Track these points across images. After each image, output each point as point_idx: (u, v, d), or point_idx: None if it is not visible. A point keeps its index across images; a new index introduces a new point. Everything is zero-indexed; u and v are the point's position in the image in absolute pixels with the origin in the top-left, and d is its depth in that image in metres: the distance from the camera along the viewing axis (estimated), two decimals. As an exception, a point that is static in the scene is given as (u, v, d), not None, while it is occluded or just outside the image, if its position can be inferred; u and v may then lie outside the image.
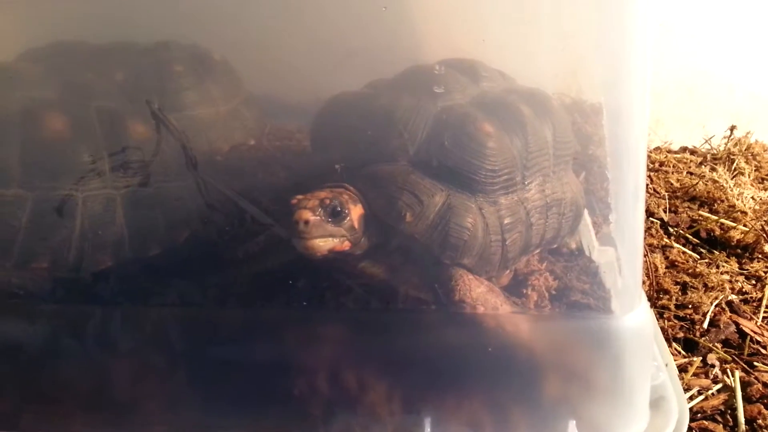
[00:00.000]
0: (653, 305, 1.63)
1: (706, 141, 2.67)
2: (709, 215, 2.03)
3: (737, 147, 2.55)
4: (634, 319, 1.22)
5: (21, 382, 1.16)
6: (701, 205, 2.13)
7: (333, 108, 1.37)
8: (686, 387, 1.42)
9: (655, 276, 1.72)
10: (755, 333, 1.60)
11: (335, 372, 1.17)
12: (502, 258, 1.24)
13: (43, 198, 1.15)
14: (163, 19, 1.46)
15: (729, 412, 1.39)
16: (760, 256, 1.92)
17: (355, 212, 1.14)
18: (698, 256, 1.89)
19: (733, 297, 1.71)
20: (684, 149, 2.70)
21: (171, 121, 1.20)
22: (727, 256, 1.91)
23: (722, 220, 1.99)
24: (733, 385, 1.43)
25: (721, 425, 1.36)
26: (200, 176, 1.20)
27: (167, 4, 1.43)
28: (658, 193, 2.18)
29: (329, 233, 1.10)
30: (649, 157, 2.48)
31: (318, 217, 1.08)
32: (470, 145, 1.20)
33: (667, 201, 2.11)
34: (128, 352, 1.17)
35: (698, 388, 1.43)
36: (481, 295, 1.19)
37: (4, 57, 1.41)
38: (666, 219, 2.03)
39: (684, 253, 1.88)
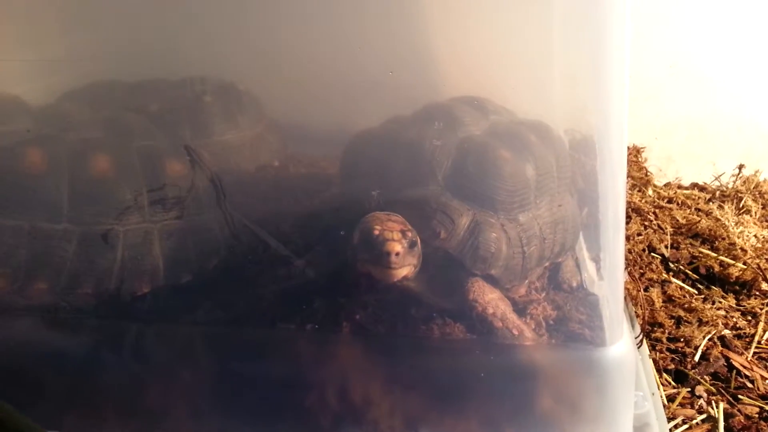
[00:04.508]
0: (647, 337, 1.73)
1: (716, 178, 2.75)
2: (709, 252, 2.12)
3: (745, 185, 2.63)
4: (618, 350, 1.33)
5: (65, 388, 1.30)
6: (703, 242, 2.22)
7: (362, 141, 1.53)
8: (671, 416, 1.52)
9: (651, 309, 1.82)
10: (744, 367, 1.69)
11: (343, 388, 1.30)
12: (523, 268, 1.40)
13: (89, 232, 1.31)
14: (191, 55, 1.62)
15: (710, 441, 1.49)
16: (757, 293, 2.00)
17: (419, 240, 1.27)
18: (696, 292, 1.98)
19: (726, 332, 1.80)
20: (694, 185, 2.79)
21: (204, 160, 1.35)
22: (725, 293, 1.99)
23: (722, 258, 2.08)
24: (717, 416, 1.52)
25: (702, 453, 1.45)
26: (228, 210, 1.35)
27: (196, 40, 1.58)
28: (662, 229, 2.27)
29: (408, 262, 1.23)
30: (658, 193, 2.58)
31: (404, 248, 1.21)
32: (491, 169, 1.38)
33: (669, 237, 2.20)
34: (160, 364, 1.31)
35: (683, 418, 1.52)
36: (492, 300, 1.33)
37: (49, 97, 1.58)
38: (667, 255, 2.12)
39: (682, 288, 1.98)
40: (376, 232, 1.21)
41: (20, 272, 1.31)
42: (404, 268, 1.23)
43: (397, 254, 1.19)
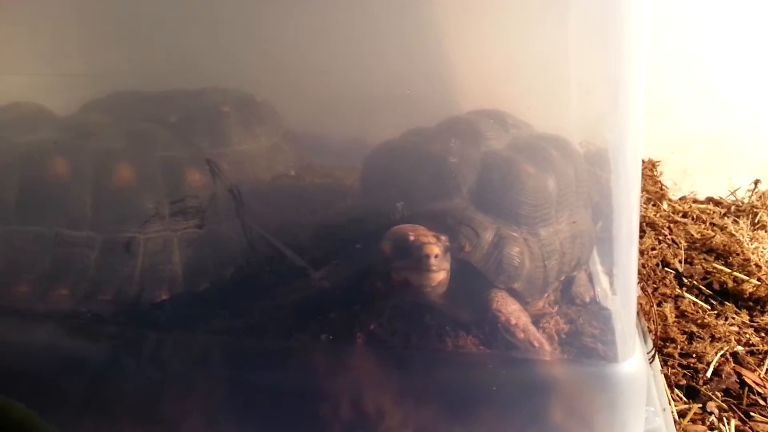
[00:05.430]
0: (659, 352, 1.73)
1: (732, 193, 2.74)
2: (723, 268, 2.12)
3: (761, 200, 2.62)
4: (630, 365, 1.34)
5: (84, 393, 1.33)
6: (717, 258, 2.21)
7: (383, 153, 1.54)
8: (682, 432, 1.52)
9: (664, 325, 1.82)
10: (757, 384, 1.68)
11: (357, 399, 1.31)
12: (543, 282, 1.40)
13: (111, 239, 1.34)
14: (211, 69, 1.65)
15: (721, 458, 1.49)
16: (771, 309, 2.00)
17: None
18: (709, 308, 1.98)
19: (739, 348, 1.80)
20: (709, 200, 2.78)
21: (223, 172, 1.38)
22: (738, 309, 1.99)
23: (735, 273, 2.08)
24: (728, 432, 1.53)
25: (713, 470, 1.45)
26: (246, 221, 1.37)
27: (215, 54, 1.61)
28: (676, 243, 2.27)
29: (443, 267, 1.24)
30: (672, 207, 2.58)
31: (441, 251, 1.22)
32: (515, 184, 1.39)
33: (683, 252, 2.20)
34: (176, 372, 1.34)
35: (694, 434, 1.53)
36: (515, 311, 1.34)
37: (70, 109, 1.61)
38: (681, 270, 2.12)
39: (695, 303, 1.98)
40: (412, 238, 1.22)
41: (43, 278, 1.34)
42: (441, 272, 1.23)
43: (436, 256, 1.20)
